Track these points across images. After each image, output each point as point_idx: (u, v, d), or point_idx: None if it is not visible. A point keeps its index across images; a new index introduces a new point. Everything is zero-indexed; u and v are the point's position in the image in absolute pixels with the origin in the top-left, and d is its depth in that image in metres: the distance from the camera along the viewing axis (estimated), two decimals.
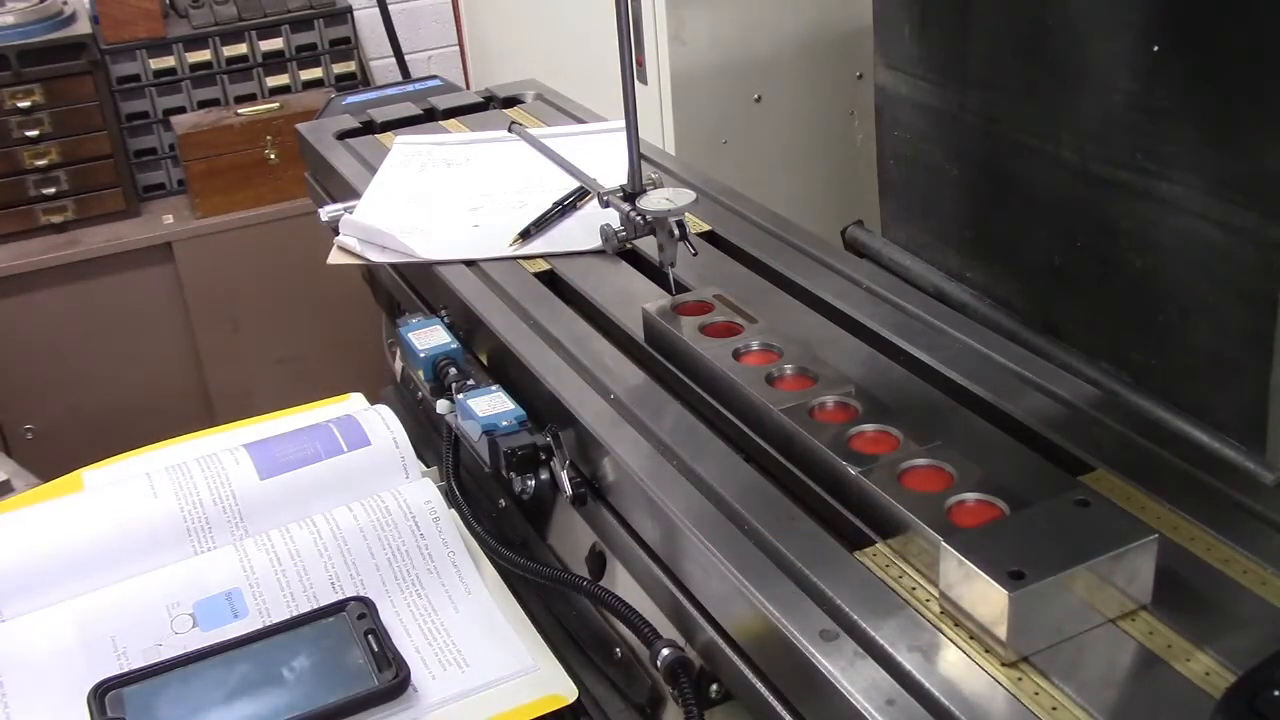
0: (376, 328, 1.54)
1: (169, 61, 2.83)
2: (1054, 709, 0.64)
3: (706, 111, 1.85)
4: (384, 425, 1.10)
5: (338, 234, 1.30)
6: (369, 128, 1.59)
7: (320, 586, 0.96)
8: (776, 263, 1.15)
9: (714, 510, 0.81)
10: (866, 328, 1.03)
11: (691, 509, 0.82)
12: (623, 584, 0.92)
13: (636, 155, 1.10)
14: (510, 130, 1.49)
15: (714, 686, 0.82)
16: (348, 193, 1.39)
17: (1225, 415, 1.13)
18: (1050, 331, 1.33)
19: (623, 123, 1.10)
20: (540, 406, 1.00)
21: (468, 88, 2.51)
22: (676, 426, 0.91)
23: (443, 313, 1.17)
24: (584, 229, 1.22)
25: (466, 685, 0.89)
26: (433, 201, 1.33)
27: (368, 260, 1.26)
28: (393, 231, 1.24)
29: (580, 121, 1.55)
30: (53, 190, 2.74)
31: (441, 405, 1.06)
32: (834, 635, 0.70)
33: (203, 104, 2.88)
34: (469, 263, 1.21)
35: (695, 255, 1.07)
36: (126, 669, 0.90)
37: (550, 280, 1.18)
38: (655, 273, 1.13)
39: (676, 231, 1.05)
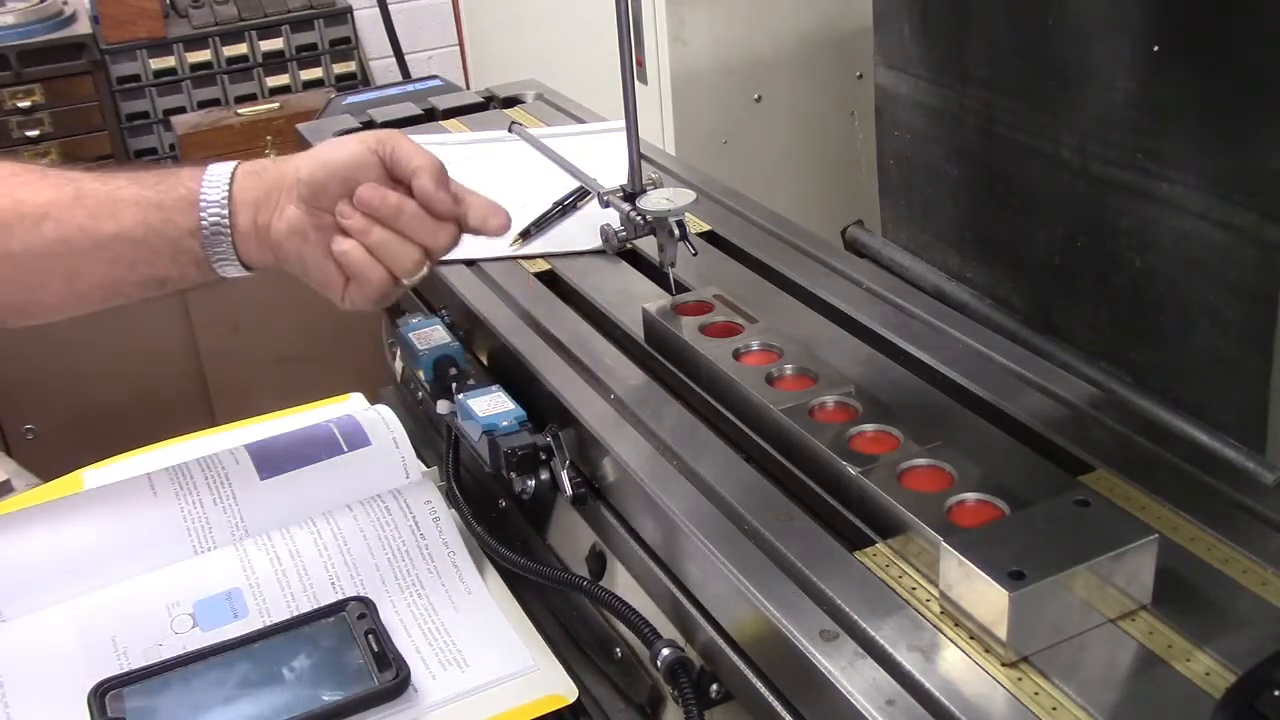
0: (376, 328, 1.53)
1: (169, 61, 2.84)
2: (1054, 709, 0.64)
3: (706, 111, 1.85)
4: (384, 425, 1.10)
5: None
6: (369, 128, 1.59)
7: (320, 586, 0.96)
8: (776, 263, 1.15)
9: (714, 510, 0.81)
10: (866, 328, 1.03)
11: (691, 509, 0.82)
12: (623, 584, 0.92)
13: (636, 155, 1.10)
14: (510, 130, 1.49)
15: (714, 686, 0.81)
16: None
17: (1225, 415, 1.13)
18: (1050, 331, 1.33)
19: (623, 123, 1.10)
20: (540, 406, 1.00)
21: (468, 88, 2.51)
22: (676, 426, 0.91)
23: (443, 312, 1.17)
24: (584, 229, 1.22)
25: (466, 685, 0.89)
26: None
27: None
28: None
29: (580, 121, 1.55)
30: None
31: (441, 405, 1.06)
32: (834, 635, 0.70)
33: (203, 104, 2.88)
34: (469, 262, 1.21)
35: (695, 255, 1.07)
36: (126, 669, 0.90)
37: (550, 280, 1.18)
38: (655, 273, 1.13)
39: (676, 231, 1.05)
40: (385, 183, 0.92)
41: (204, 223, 0.92)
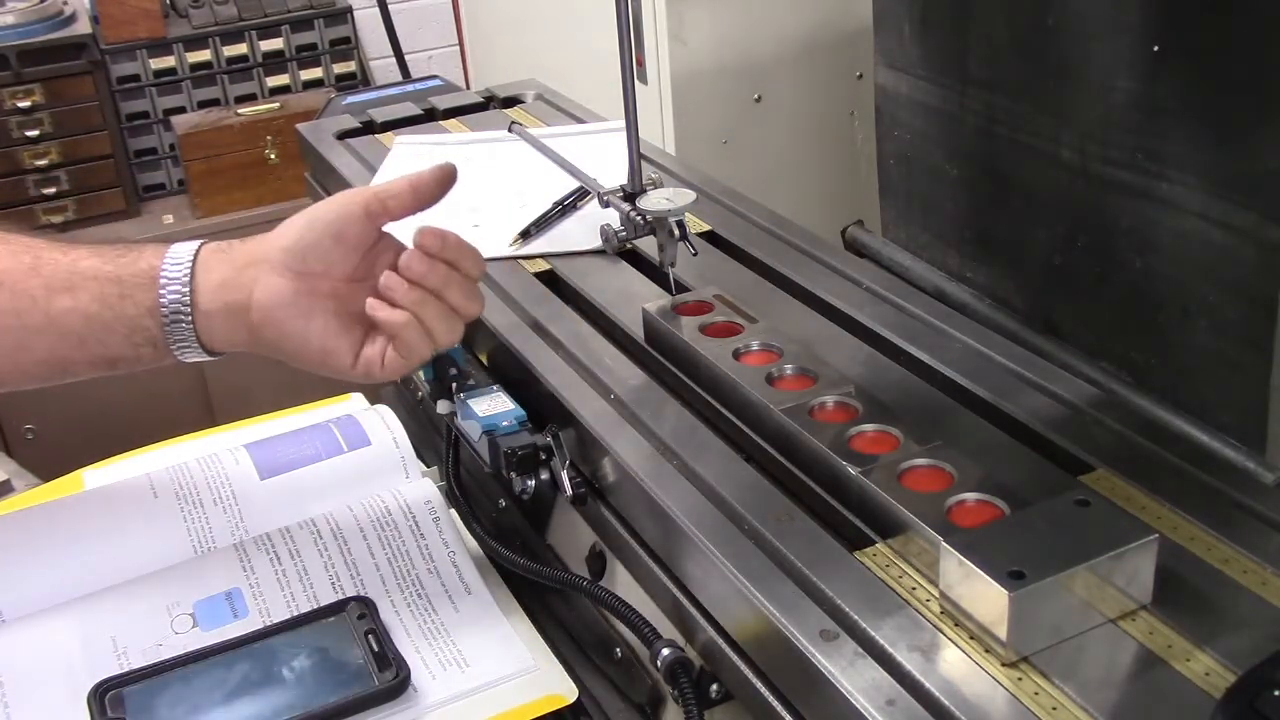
0: None
1: (169, 61, 2.83)
2: (1054, 709, 0.64)
3: (706, 111, 1.85)
4: (384, 425, 1.11)
5: None
6: (369, 128, 1.59)
7: (320, 586, 0.96)
8: (776, 263, 1.15)
9: (714, 510, 0.81)
10: (866, 328, 1.03)
11: (691, 509, 0.82)
12: (623, 584, 0.92)
13: (636, 155, 1.10)
14: (510, 130, 1.49)
15: (714, 686, 0.81)
16: None
17: (1225, 415, 1.13)
18: (1050, 331, 1.33)
19: (623, 123, 1.10)
20: (540, 406, 1.00)
21: (468, 88, 2.51)
22: (676, 426, 0.91)
23: None
24: (584, 229, 1.22)
25: (466, 685, 0.89)
26: None
27: None
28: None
29: (580, 121, 1.55)
30: (53, 190, 2.74)
31: (441, 405, 1.06)
32: (834, 635, 0.70)
33: (203, 104, 2.88)
34: None
35: (695, 255, 1.07)
36: (126, 669, 0.90)
37: (550, 280, 1.18)
38: (655, 273, 1.13)
39: (676, 231, 1.05)
40: (370, 234, 0.90)
41: (163, 301, 0.87)
